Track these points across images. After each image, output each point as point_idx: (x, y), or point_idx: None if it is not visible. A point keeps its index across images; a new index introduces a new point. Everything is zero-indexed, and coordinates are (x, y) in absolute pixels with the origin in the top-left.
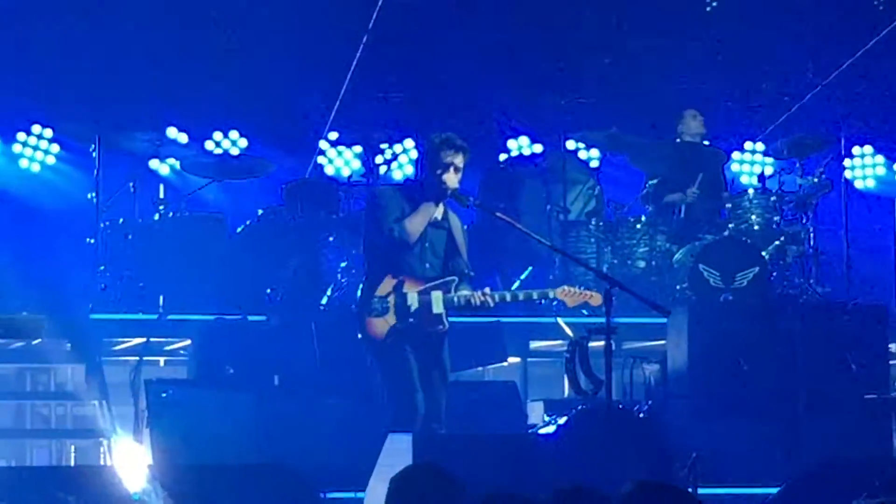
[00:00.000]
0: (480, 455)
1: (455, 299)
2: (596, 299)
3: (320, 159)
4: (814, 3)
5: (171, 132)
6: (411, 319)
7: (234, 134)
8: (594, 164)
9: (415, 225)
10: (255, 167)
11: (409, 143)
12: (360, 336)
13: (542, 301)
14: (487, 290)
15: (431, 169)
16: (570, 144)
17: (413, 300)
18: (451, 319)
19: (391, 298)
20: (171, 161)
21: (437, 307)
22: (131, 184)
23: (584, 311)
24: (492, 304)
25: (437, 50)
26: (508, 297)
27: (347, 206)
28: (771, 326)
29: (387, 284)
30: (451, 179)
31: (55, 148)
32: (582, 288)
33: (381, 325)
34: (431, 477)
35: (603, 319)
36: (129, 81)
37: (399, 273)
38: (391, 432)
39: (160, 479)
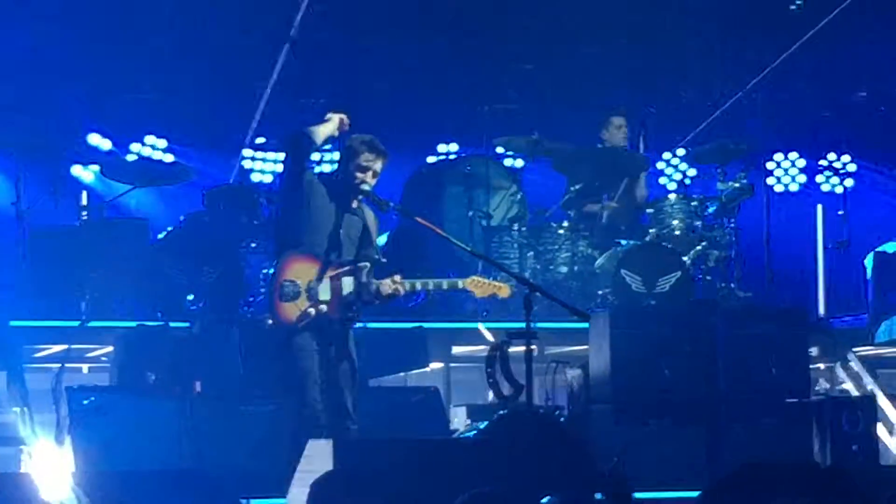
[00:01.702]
0: (402, 459)
1: (367, 285)
2: (504, 290)
3: (246, 165)
4: (734, 9)
5: (94, 138)
6: (322, 306)
7: (156, 140)
8: (517, 169)
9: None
10: (178, 173)
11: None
12: (269, 321)
13: (452, 290)
14: (398, 277)
15: (350, 169)
16: (495, 150)
17: (325, 286)
18: (371, 325)
19: (302, 283)
20: (94, 167)
21: (346, 292)
22: (52, 190)
23: (506, 315)
24: (401, 292)
25: (360, 55)
26: (419, 286)
27: (269, 211)
28: (692, 331)
29: (298, 268)
30: (369, 181)
31: None
32: (491, 278)
33: (292, 309)
34: (350, 482)
35: (524, 324)
36: (51, 86)
37: (314, 258)
38: (303, 435)
39: (83, 486)
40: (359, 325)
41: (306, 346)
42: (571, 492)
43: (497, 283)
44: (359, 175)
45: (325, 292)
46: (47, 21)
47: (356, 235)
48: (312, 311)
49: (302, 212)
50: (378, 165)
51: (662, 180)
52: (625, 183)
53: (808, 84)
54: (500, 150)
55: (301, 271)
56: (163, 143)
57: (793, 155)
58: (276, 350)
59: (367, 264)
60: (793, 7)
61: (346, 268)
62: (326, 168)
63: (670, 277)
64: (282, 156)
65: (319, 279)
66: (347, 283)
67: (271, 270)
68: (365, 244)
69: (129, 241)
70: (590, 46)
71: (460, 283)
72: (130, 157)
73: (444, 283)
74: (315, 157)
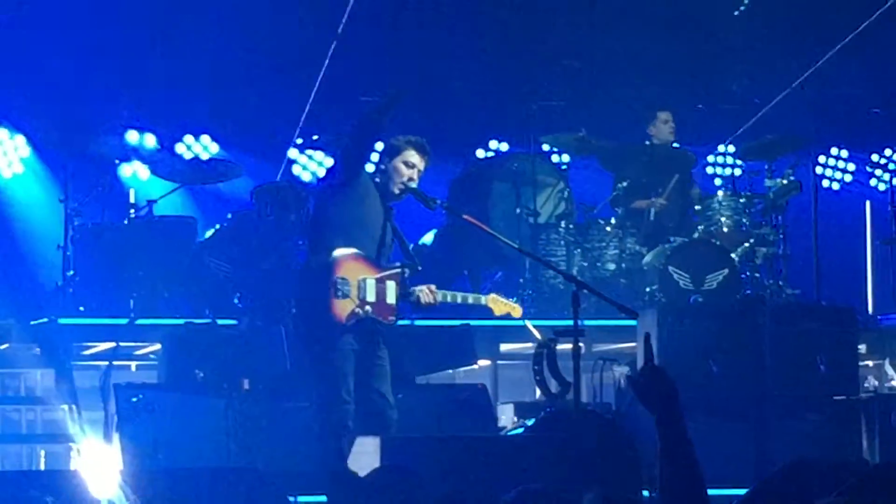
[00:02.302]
0: (449, 457)
1: (409, 294)
2: (517, 311)
3: (293, 163)
4: (782, 4)
5: (133, 136)
6: (368, 307)
7: (204, 138)
8: (564, 166)
9: None
10: (226, 171)
11: (379, 146)
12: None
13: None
14: (433, 286)
15: (395, 167)
16: (541, 148)
17: (371, 286)
18: (419, 322)
19: (352, 281)
20: (141, 165)
21: (391, 298)
22: (100, 188)
23: (553, 313)
24: (435, 303)
25: (407, 53)
26: (449, 298)
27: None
28: (740, 328)
29: (350, 266)
30: (413, 180)
31: (24, 152)
32: (509, 301)
33: (344, 307)
34: (399, 478)
35: (571, 322)
36: (98, 85)
37: (362, 258)
38: (359, 436)
39: (130, 484)
40: (405, 322)
41: (346, 346)
42: (616, 489)
43: (513, 304)
44: (406, 171)
45: (371, 293)
46: (95, 17)
47: (391, 238)
48: (360, 311)
49: (356, 208)
50: (423, 164)
51: (712, 178)
52: (673, 180)
53: (857, 79)
54: (546, 147)
55: (352, 270)
56: (210, 141)
57: (842, 152)
58: (316, 347)
59: (408, 269)
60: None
61: (392, 271)
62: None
63: (718, 274)
64: (329, 160)
65: (366, 280)
66: (391, 287)
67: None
68: (405, 248)
69: (177, 239)
70: (636, 42)
71: (482, 300)
72: (180, 155)
73: (470, 298)
74: None
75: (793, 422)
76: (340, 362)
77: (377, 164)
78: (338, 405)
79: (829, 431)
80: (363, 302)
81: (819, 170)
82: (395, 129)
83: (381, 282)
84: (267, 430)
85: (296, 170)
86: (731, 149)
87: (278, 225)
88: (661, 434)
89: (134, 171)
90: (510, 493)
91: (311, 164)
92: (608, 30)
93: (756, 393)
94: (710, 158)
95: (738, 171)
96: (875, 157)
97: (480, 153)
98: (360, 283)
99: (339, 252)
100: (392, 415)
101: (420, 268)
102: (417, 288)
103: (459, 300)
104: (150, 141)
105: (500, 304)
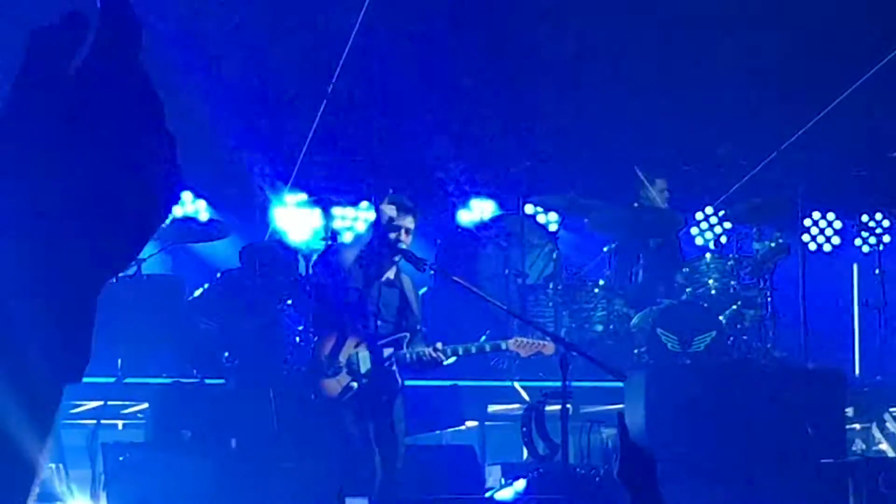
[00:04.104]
0: None
1: (407, 355)
2: (549, 348)
3: (281, 222)
4: (771, 67)
5: None
6: (364, 380)
7: (191, 197)
8: (552, 227)
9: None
10: (213, 231)
11: (364, 204)
12: (314, 397)
13: (496, 352)
14: (439, 344)
15: (383, 232)
16: (529, 208)
17: (364, 359)
18: (407, 383)
19: (342, 359)
20: None
21: (388, 360)
22: None
23: (541, 374)
24: (444, 359)
25: (394, 112)
26: (461, 351)
27: (306, 268)
28: (728, 390)
29: (336, 345)
30: (403, 240)
31: None
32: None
33: (334, 385)
34: None
35: (559, 383)
36: None
37: (353, 333)
38: (347, 496)
39: None
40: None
41: (349, 411)
42: None
43: (541, 342)
44: (392, 235)
45: (364, 364)
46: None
47: (395, 305)
48: (355, 384)
49: (338, 293)
50: (408, 222)
51: (698, 240)
52: (661, 242)
53: (845, 143)
54: (528, 208)
55: (339, 347)
56: (196, 200)
57: (829, 215)
58: (319, 414)
59: (407, 334)
60: None
61: (385, 339)
62: (359, 226)
63: (706, 337)
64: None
65: (359, 353)
66: (387, 354)
67: (310, 342)
68: (404, 312)
69: (165, 297)
70: (626, 103)
71: (503, 345)
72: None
73: (487, 346)
74: (350, 213)
75: (780, 484)
76: (346, 429)
77: (371, 231)
78: (350, 470)
79: (818, 495)
80: (357, 376)
81: (806, 233)
82: (385, 187)
83: (374, 351)
84: (254, 490)
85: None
86: (717, 211)
87: (266, 284)
88: None
89: None
90: None
91: (300, 223)
92: (594, 90)
93: (743, 456)
94: (699, 216)
95: (723, 238)
96: (865, 219)
97: (469, 211)
98: (350, 357)
99: (325, 334)
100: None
101: (424, 329)
102: (420, 349)
103: (475, 350)
104: None
105: (526, 346)
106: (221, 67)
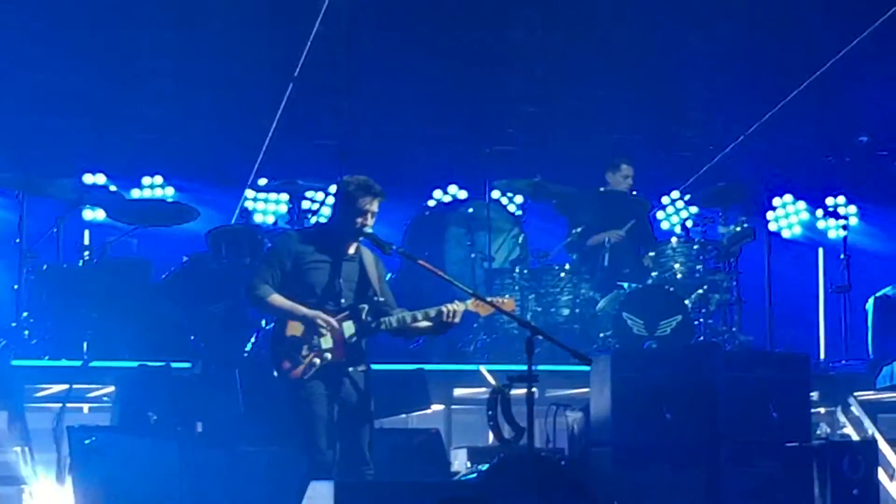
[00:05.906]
0: (402, 502)
1: (368, 324)
2: (508, 304)
3: (248, 205)
4: (737, 53)
5: (97, 178)
6: (327, 354)
7: (159, 180)
8: (518, 211)
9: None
10: (181, 214)
11: (332, 188)
12: (275, 374)
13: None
14: (401, 310)
15: (347, 214)
16: (495, 193)
17: (326, 338)
18: (373, 366)
19: (302, 336)
20: (97, 208)
21: (349, 333)
22: (55, 229)
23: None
24: (394, 325)
25: (362, 96)
26: (420, 316)
27: None
28: (693, 374)
29: (296, 324)
30: (368, 224)
31: None
32: (495, 297)
33: (298, 364)
34: None
35: (525, 367)
36: (54, 128)
37: (315, 308)
38: (313, 480)
39: None
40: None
41: (315, 392)
42: None
43: (500, 299)
44: (358, 220)
45: (326, 341)
46: (53, 60)
47: (354, 280)
48: (318, 360)
49: (293, 278)
50: (375, 206)
51: (664, 224)
52: (627, 226)
53: (810, 128)
54: (499, 193)
55: (300, 326)
56: (163, 182)
57: (794, 200)
58: (283, 396)
59: (365, 306)
60: None
61: (344, 313)
62: (326, 210)
63: (672, 321)
64: (284, 196)
65: (342, 322)
66: (348, 327)
67: (270, 325)
68: (364, 288)
69: (131, 281)
70: (592, 89)
71: (464, 306)
72: (134, 197)
73: (446, 307)
74: (319, 196)
75: (745, 469)
76: (312, 406)
77: (332, 208)
78: (319, 450)
79: (782, 478)
80: (319, 352)
81: (771, 216)
82: (351, 170)
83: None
84: (220, 473)
85: (252, 212)
86: (687, 196)
87: (233, 267)
88: None
89: (90, 213)
90: None
91: (266, 206)
92: (564, 75)
93: (708, 439)
94: (665, 201)
95: (689, 223)
96: (830, 202)
97: (437, 194)
98: (311, 335)
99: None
100: (368, 472)
101: (381, 299)
102: (380, 319)
103: (434, 314)
104: (99, 181)
105: (483, 305)
106: (190, 51)
